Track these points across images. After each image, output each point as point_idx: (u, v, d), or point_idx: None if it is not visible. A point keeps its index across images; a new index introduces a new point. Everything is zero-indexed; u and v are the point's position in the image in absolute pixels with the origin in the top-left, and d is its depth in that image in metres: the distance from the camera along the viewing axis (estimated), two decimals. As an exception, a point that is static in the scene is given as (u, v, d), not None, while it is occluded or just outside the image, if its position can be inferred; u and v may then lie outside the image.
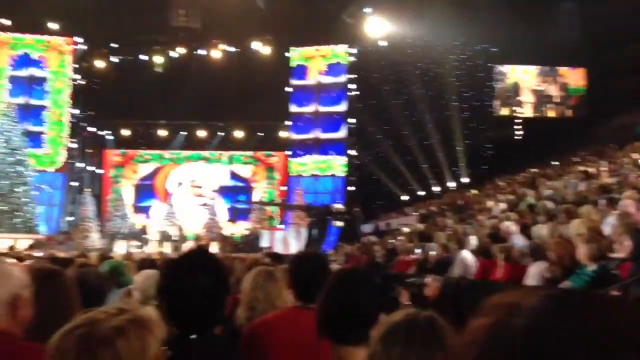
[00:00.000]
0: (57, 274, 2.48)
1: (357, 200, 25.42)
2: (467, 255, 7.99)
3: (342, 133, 27.35)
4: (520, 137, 28.10)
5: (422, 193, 26.77)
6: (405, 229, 14.66)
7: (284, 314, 2.73)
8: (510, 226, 8.33)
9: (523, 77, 28.97)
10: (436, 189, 26.78)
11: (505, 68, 28.85)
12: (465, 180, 26.33)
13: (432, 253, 9.04)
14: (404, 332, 1.38)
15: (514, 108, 28.93)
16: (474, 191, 20.97)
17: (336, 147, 27.45)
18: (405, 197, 26.95)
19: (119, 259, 5.21)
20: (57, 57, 26.88)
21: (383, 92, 25.61)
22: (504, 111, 28.98)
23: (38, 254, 12.16)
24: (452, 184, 26.46)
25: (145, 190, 28.58)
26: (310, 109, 27.75)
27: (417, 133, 26.01)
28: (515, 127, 28.51)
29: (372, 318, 1.86)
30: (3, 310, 1.83)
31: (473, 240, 8.91)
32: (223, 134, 28.96)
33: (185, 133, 28.94)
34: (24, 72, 26.62)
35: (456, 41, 26.01)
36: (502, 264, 6.90)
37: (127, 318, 1.30)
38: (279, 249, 20.11)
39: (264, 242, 21.65)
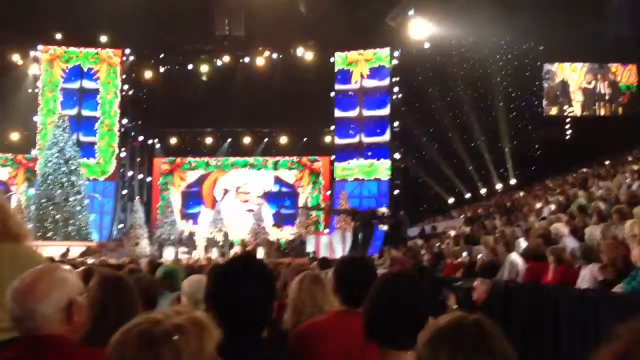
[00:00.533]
0: (122, 280, 2.56)
1: (402, 204, 25.25)
2: (516, 258, 7.83)
3: (386, 136, 27.22)
4: (570, 137, 27.40)
5: (468, 195, 26.38)
6: (452, 232, 14.47)
7: (331, 318, 2.73)
8: (561, 228, 8.11)
9: (572, 75, 28.26)
10: (483, 191, 26.36)
11: (553, 66, 28.20)
12: (513, 181, 25.82)
13: (480, 256, 8.89)
14: (451, 336, 1.37)
15: (563, 107, 28.23)
16: (522, 193, 20.54)
17: (380, 150, 27.33)
18: (451, 200, 26.62)
19: (172, 265, 5.30)
20: (107, 68, 27.71)
21: (427, 94, 25.39)
22: (553, 110, 28.33)
23: (90, 260, 12.52)
24: (499, 186, 25.99)
25: (193, 197, 29.09)
26: (354, 113, 27.74)
27: (462, 135, 25.67)
28: (565, 126, 27.82)
29: (419, 322, 1.84)
30: (59, 315, 1.88)
31: (522, 243, 8.72)
32: (268, 140, 29.27)
33: (231, 140, 29.37)
34: (75, 84, 27.54)
35: (501, 40, 25.58)
36: (552, 267, 6.73)
37: (185, 318, 1.32)
38: (324, 253, 20.12)
39: (310, 247, 21.71)
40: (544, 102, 28.18)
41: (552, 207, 11.88)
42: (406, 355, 1.83)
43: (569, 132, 27.75)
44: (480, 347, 1.34)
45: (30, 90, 27.28)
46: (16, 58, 26.87)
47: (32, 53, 27.24)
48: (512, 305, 6.69)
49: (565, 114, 28.13)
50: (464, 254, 9.78)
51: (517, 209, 15.56)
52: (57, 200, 22.04)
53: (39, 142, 26.36)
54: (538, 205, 13.79)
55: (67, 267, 2.06)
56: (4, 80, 25.99)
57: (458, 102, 25.53)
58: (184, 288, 3.61)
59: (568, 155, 22.16)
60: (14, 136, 27.27)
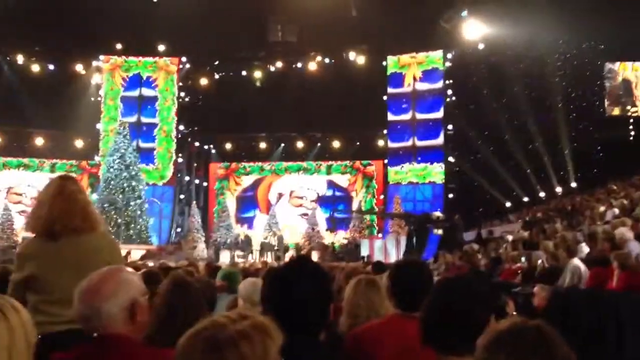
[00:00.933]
0: (190, 284, 2.64)
1: (457, 208, 24.84)
2: (578, 263, 7.58)
3: (440, 140, 26.87)
4: (634, 137, 26.36)
5: (526, 199, 25.73)
6: (509, 237, 14.15)
7: (386, 322, 2.72)
8: (626, 232, 7.81)
9: (634, 73, 27.18)
10: (541, 194, 25.66)
11: (614, 65, 27.20)
12: (573, 184, 25.04)
13: (540, 261, 8.66)
14: (510, 341, 1.34)
15: (626, 107, 27.18)
16: (583, 196, 19.89)
17: (434, 154, 26.99)
18: (508, 204, 26.03)
19: (231, 268, 5.42)
20: (165, 76, 28.49)
21: (482, 96, 24.93)
22: (615, 110, 27.30)
23: (150, 263, 12.86)
24: (559, 189, 25.24)
25: (248, 201, 29.50)
26: (407, 116, 27.52)
27: (519, 137, 25.07)
28: (628, 126, 26.78)
29: (477, 328, 1.82)
30: (123, 315, 1.96)
31: (584, 248, 8.45)
32: (321, 144, 29.41)
33: (284, 144, 29.65)
34: (135, 92, 28.44)
35: (559, 39, 24.87)
36: (617, 273, 6.49)
37: (249, 323, 1.34)
38: (378, 257, 20.04)
39: (364, 251, 21.66)
40: (606, 102, 27.20)
41: (616, 210, 11.46)
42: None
43: (632, 132, 26.69)
44: (539, 352, 1.32)
45: (92, 99, 28.34)
46: (79, 68, 27.96)
47: (94, 63, 28.29)
48: (573, 312, 6.48)
49: (629, 114, 27.07)
50: (523, 259, 9.54)
51: (579, 213, 15.08)
52: (119, 205, 22.74)
53: (101, 149, 27.33)
54: (601, 208, 13.32)
55: (130, 269, 2.14)
56: (69, 90, 27.09)
57: (514, 103, 24.95)
58: (240, 291, 3.68)
59: (632, 157, 21.30)
60: (78, 143, 28.36)
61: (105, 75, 28.28)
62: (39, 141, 28.13)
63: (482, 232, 20.08)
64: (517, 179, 25.44)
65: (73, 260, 3.02)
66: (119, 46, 27.93)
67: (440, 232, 18.52)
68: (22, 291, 3.05)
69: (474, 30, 23.84)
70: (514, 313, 6.30)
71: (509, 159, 25.12)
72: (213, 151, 30.15)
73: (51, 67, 27.45)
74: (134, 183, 23.64)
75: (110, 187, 22.98)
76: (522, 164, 25.22)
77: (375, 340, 2.57)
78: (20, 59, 27.02)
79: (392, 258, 20.29)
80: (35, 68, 27.19)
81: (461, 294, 1.95)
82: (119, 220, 22.67)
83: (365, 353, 2.54)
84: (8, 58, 27.18)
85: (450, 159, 26.70)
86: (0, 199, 27.24)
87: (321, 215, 28.24)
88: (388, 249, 21.74)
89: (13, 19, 24.07)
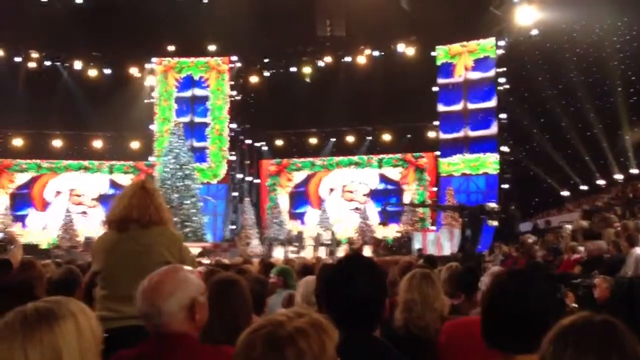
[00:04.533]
0: (236, 283, 2.69)
1: (512, 198, 24.30)
2: (641, 253, 7.31)
3: (493, 129, 26.29)
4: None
5: (584, 187, 24.94)
6: (568, 226, 13.75)
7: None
8: (693, 220, 7.48)
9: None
10: (601, 182, 24.81)
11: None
12: (635, 171, 24.09)
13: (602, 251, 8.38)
14: (578, 335, 1.32)
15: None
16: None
17: (488, 144, 26.44)
18: (565, 193, 25.28)
19: (285, 265, 5.49)
20: (216, 76, 28.97)
21: (536, 83, 24.24)
22: (679, 93, 26.08)
23: (206, 261, 13.13)
24: (619, 176, 24.34)
25: (300, 197, 29.68)
26: (458, 107, 27.06)
27: (577, 123, 24.28)
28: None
29: (541, 324, 1.78)
30: (183, 313, 2.01)
31: (648, 237, 8.10)
32: (371, 137, 29.28)
33: (335, 139, 29.68)
34: (188, 93, 29.03)
35: (618, 21, 23.92)
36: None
37: (306, 320, 1.36)
38: (431, 250, 19.85)
39: (417, 244, 21.48)
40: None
41: (682, 197, 10.98)
42: (527, 358, 1.77)
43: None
44: (607, 347, 1.28)
45: (147, 101, 29.08)
46: (134, 71, 28.74)
47: (147, 65, 29.01)
48: (637, 303, 6.25)
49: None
50: (581, 248, 9.26)
51: (641, 201, 14.53)
52: (174, 204, 23.22)
53: (156, 149, 28.02)
54: (665, 196, 12.78)
55: (189, 268, 2.19)
56: (124, 93, 27.90)
57: (571, 89, 24.16)
58: (298, 288, 3.71)
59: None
60: (134, 145, 29.16)
61: (159, 77, 28.96)
62: (97, 144, 29.09)
63: (539, 223, 19.62)
64: (574, 167, 24.67)
65: (135, 252, 3.18)
66: (171, 48, 28.57)
67: (495, 223, 18.17)
68: (93, 285, 3.27)
69: (527, 15, 23.18)
70: (575, 305, 6.14)
71: (566, 147, 24.38)
72: (264, 148, 30.47)
73: (107, 71, 28.31)
74: (188, 182, 24.10)
75: (166, 186, 23.51)
76: (580, 151, 24.42)
77: (467, 335, 2.53)
78: (78, 65, 27.97)
79: (446, 251, 20.05)
80: (92, 73, 28.08)
81: (520, 289, 1.90)
82: (175, 219, 23.15)
83: (455, 346, 2.52)
84: (67, 64, 28.19)
85: (504, 148, 26.09)
86: (62, 201, 28.36)
87: (373, 209, 28.15)
88: (441, 241, 21.51)
89: (70, 26, 24.94)
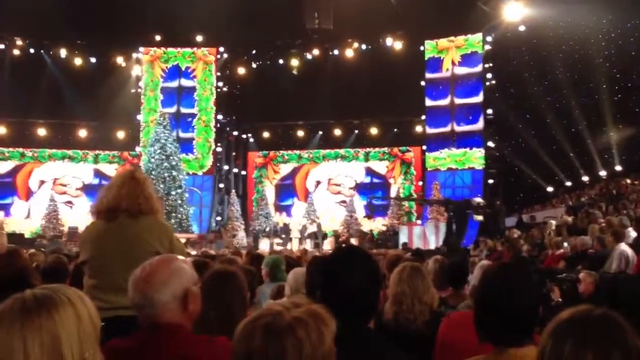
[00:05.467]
0: (234, 275, 2.67)
1: (497, 193, 24.48)
2: (625, 248, 7.41)
3: (479, 124, 26.43)
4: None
5: (569, 183, 25.18)
6: (553, 222, 13.89)
7: None
8: (676, 217, 7.59)
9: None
10: (585, 178, 25.06)
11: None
12: (618, 168, 24.37)
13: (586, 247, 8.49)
14: (578, 328, 1.33)
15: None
16: (629, 180, 19.35)
17: (474, 139, 26.58)
18: (550, 189, 25.52)
19: (276, 256, 5.47)
20: (203, 67, 28.78)
21: (523, 79, 24.40)
22: (663, 91, 26.36)
23: (192, 252, 13.09)
24: (603, 173, 24.61)
25: (286, 189, 29.68)
26: (445, 101, 27.15)
27: (562, 120, 24.49)
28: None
29: (532, 317, 1.79)
30: (176, 303, 2.00)
31: (631, 233, 8.24)
32: (358, 131, 29.32)
33: (322, 132, 29.67)
34: (174, 83, 28.82)
35: (603, 19, 24.11)
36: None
37: (304, 310, 1.38)
38: (417, 244, 19.96)
39: (402, 238, 21.58)
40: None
41: (665, 194, 11.12)
42: (523, 352, 1.78)
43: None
44: (607, 341, 1.29)
45: (133, 91, 28.84)
46: (120, 60, 28.46)
47: (134, 55, 28.75)
48: (621, 298, 6.34)
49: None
50: (566, 244, 9.37)
51: (624, 197, 14.70)
52: (160, 194, 23.10)
53: (142, 140, 27.82)
54: (648, 192, 12.95)
55: (182, 258, 2.18)
56: (110, 82, 27.64)
57: (557, 86, 24.35)
58: (289, 280, 3.71)
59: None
60: (120, 134, 28.93)
61: (145, 67, 28.71)
62: (82, 133, 28.82)
63: (524, 218, 19.79)
64: (559, 163, 24.90)
65: (124, 242, 3.15)
66: (158, 38, 28.32)
67: (480, 218, 18.29)
68: (81, 275, 3.23)
69: (514, 11, 23.30)
70: (559, 300, 6.22)
71: (551, 143, 24.59)
72: (251, 140, 30.39)
73: (93, 60, 28.00)
74: (174, 173, 23.99)
75: (152, 177, 23.34)
76: (565, 147, 24.65)
77: (467, 328, 2.55)
78: (63, 53, 27.64)
79: (432, 245, 20.17)
80: (78, 61, 27.76)
81: (512, 285, 1.92)
82: (163, 211, 23.02)
83: (455, 339, 2.53)
84: (51, 52, 27.83)
85: (490, 143, 26.25)
86: (46, 190, 28.09)
87: (359, 203, 28.24)
88: (427, 235, 21.64)
89: (55, 14, 24.60)
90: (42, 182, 28.41)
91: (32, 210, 27.55)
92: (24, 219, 27.36)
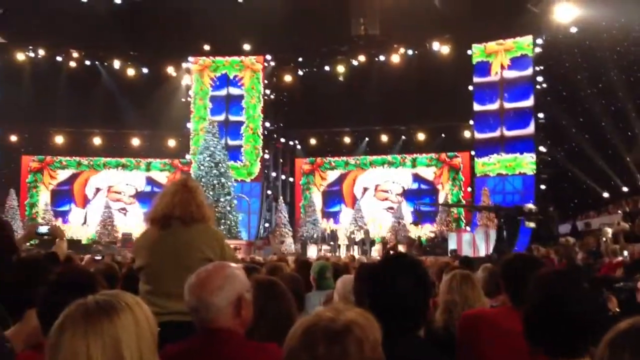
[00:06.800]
0: (276, 285, 2.69)
1: (550, 199, 23.86)
2: (687, 257, 7.11)
3: (530, 129, 25.86)
4: None
5: (625, 189, 24.33)
6: (608, 229, 13.46)
7: (501, 312, 2.67)
8: None
9: None
10: (643, 183, 24.15)
11: None
12: (679, 173, 23.39)
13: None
14: (636, 339, 1.29)
15: None
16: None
17: (524, 144, 26.01)
18: (605, 194, 24.71)
19: (324, 262, 5.45)
20: (251, 75, 29.18)
21: (575, 82, 23.73)
22: None
23: (240, 257, 13.25)
24: (661, 178, 23.66)
25: (333, 196, 29.71)
26: (494, 106, 26.68)
27: (617, 123, 23.68)
28: None
29: (588, 327, 1.74)
30: (230, 309, 2.04)
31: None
32: (405, 137, 29.13)
33: (369, 139, 29.61)
34: (223, 92, 29.33)
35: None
36: None
37: (353, 312, 1.40)
38: (466, 251, 19.68)
39: (451, 245, 21.30)
40: None
41: None
42: None
43: None
44: None
45: (183, 100, 29.49)
46: (170, 70, 29.18)
47: (184, 65, 29.42)
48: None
49: None
50: (625, 252, 9.06)
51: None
52: (210, 201, 23.51)
53: (192, 148, 28.38)
54: None
55: (235, 265, 2.23)
56: (161, 92, 28.36)
57: (611, 88, 23.56)
58: (337, 287, 3.72)
59: None
60: (171, 143, 29.61)
61: (195, 76, 29.32)
62: (135, 142, 29.62)
63: (578, 224, 19.24)
64: (615, 168, 24.08)
65: (177, 249, 3.23)
66: (206, 47, 28.89)
67: (532, 225, 17.85)
68: (132, 280, 3.33)
69: (566, 13, 22.74)
70: (617, 309, 6.01)
71: (606, 147, 23.79)
72: (298, 147, 30.58)
73: (145, 70, 28.80)
74: (223, 180, 24.35)
75: (201, 184, 23.78)
76: (621, 151, 23.82)
77: (487, 325, 2.52)
78: (116, 64, 28.54)
79: (482, 252, 19.84)
80: (130, 72, 28.60)
81: (569, 293, 1.88)
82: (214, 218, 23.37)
83: (475, 335, 2.50)
84: (105, 64, 28.77)
85: (542, 148, 25.63)
86: (101, 198, 28.98)
87: (407, 209, 28.02)
88: (477, 242, 21.29)
89: (109, 27, 25.46)
90: (98, 190, 29.32)
91: (89, 217, 28.45)
92: (81, 225, 28.28)
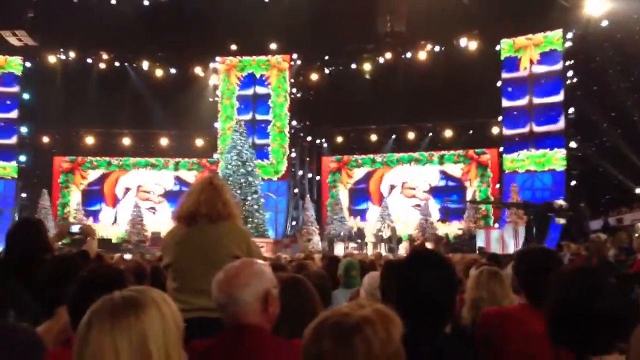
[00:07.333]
0: (300, 283, 2.70)
1: (581, 195, 23.44)
2: None
3: (560, 124, 25.44)
4: None
5: (659, 184, 23.77)
6: (642, 225, 13.19)
7: (520, 309, 2.63)
8: None
9: None
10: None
11: None
12: None
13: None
14: None
15: None
16: None
17: (554, 139, 25.60)
18: (638, 190, 24.18)
19: (350, 259, 5.45)
20: (277, 74, 29.30)
21: (606, 77, 23.25)
22: None
23: (267, 255, 13.32)
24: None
25: (360, 193, 29.65)
26: (523, 101, 26.31)
27: (650, 118, 23.15)
28: None
29: (614, 323, 1.71)
30: (257, 304, 2.06)
31: None
32: (432, 134, 28.93)
33: (395, 136, 29.47)
34: (249, 91, 29.51)
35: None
36: None
37: (370, 310, 1.41)
38: (495, 248, 19.47)
39: (480, 242, 21.09)
40: None
41: None
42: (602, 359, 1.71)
43: None
44: None
45: (210, 99, 29.75)
46: (198, 71, 29.47)
47: (211, 65, 29.68)
48: None
49: None
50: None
51: None
52: (237, 200, 23.63)
53: (219, 147, 28.62)
54: None
55: (262, 261, 2.24)
56: (189, 91, 28.66)
57: (644, 82, 23.06)
58: (364, 284, 3.72)
59: None
60: (199, 142, 29.90)
61: (222, 76, 29.55)
62: (164, 141, 29.97)
63: (610, 221, 18.89)
64: (648, 163, 23.54)
65: (204, 246, 3.27)
66: (233, 47, 29.09)
67: (563, 221, 17.56)
68: (160, 277, 3.38)
69: (597, 6, 22.32)
70: (650, 307, 5.88)
71: (639, 142, 23.29)
72: (325, 145, 30.58)
73: (173, 70, 29.14)
74: (250, 178, 24.48)
75: (229, 183, 23.94)
76: (654, 146, 23.29)
77: (508, 323, 2.49)
78: (145, 65, 28.93)
79: (510, 249, 19.57)
80: (159, 73, 28.96)
81: (593, 289, 1.84)
82: (240, 216, 23.52)
83: (495, 334, 2.48)
84: (134, 65, 29.18)
85: (572, 144, 25.19)
86: (131, 197, 29.41)
87: (434, 206, 27.83)
88: (506, 239, 21.02)
89: (137, 28, 25.81)
90: (127, 190, 29.76)
91: (119, 216, 28.90)
92: (111, 225, 28.74)
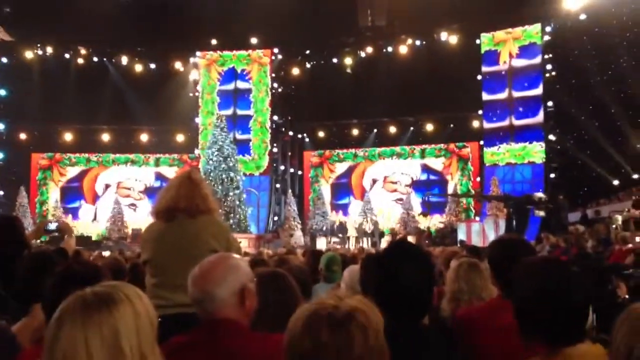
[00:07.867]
0: (280, 276, 2.69)
1: (559, 188, 23.72)
2: (698, 243, 7.06)
3: (539, 118, 25.69)
4: None
5: (635, 176, 24.14)
6: (619, 216, 13.38)
7: (491, 305, 2.64)
8: None
9: None
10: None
11: None
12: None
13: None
14: None
15: None
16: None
17: (533, 133, 25.86)
18: (615, 182, 24.53)
19: (332, 253, 5.41)
20: (258, 68, 29.17)
21: (585, 70, 23.52)
22: None
23: (249, 251, 13.29)
24: (673, 165, 23.45)
25: (342, 188, 29.69)
26: (503, 95, 26.52)
27: (627, 110, 23.47)
28: None
29: (586, 313, 1.72)
30: (234, 299, 2.04)
31: None
32: (413, 128, 29.04)
33: (377, 130, 29.53)
34: (230, 86, 29.33)
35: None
36: None
37: (355, 299, 1.41)
38: (476, 241, 19.58)
39: (460, 235, 21.23)
40: None
41: None
42: (577, 349, 1.71)
43: None
44: None
45: (191, 95, 29.53)
46: (178, 65, 29.21)
47: (191, 60, 29.43)
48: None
49: None
50: (637, 239, 9.01)
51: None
52: (219, 195, 23.51)
53: (200, 142, 28.46)
54: None
55: (239, 256, 2.23)
56: (169, 87, 28.41)
57: (621, 76, 23.35)
58: (344, 277, 3.72)
59: None
60: (179, 138, 29.68)
61: (202, 71, 29.34)
62: (144, 137, 29.71)
63: (588, 212, 19.14)
64: (625, 155, 23.88)
65: (183, 241, 3.24)
66: (214, 42, 28.89)
67: (542, 213, 17.77)
68: (138, 274, 3.35)
69: (575, 0, 22.52)
70: (626, 296, 5.98)
71: (617, 135, 23.60)
72: (306, 140, 30.55)
73: (152, 66, 28.85)
74: (232, 174, 24.36)
75: (210, 178, 23.82)
76: (631, 139, 23.62)
77: (480, 322, 2.48)
78: (124, 60, 28.61)
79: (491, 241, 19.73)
80: (138, 68, 28.67)
81: (556, 277, 1.82)
82: (219, 211, 23.42)
83: (468, 334, 2.48)
84: (113, 60, 28.85)
85: (551, 137, 25.48)
86: (111, 194, 29.13)
87: (416, 200, 27.95)
88: (486, 232, 21.17)
89: (116, 23, 25.49)
90: (107, 186, 29.47)
91: (99, 213, 28.63)
92: (91, 222, 28.46)
